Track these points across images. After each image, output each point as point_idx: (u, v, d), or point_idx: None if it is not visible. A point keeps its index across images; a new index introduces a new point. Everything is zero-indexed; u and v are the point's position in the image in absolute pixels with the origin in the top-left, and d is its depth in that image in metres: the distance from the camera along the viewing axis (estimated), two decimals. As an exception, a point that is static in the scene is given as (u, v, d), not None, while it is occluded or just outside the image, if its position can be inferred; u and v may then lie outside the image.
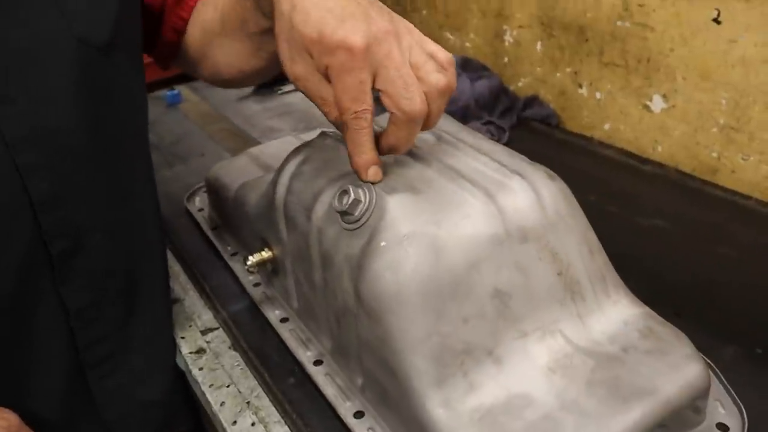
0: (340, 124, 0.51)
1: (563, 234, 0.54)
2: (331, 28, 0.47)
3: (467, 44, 1.33)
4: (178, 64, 0.79)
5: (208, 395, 0.65)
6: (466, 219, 0.51)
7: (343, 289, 0.53)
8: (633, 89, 1.02)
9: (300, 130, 1.10)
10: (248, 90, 1.36)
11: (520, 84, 1.23)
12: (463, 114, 1.10)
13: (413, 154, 0.57)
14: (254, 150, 0.92)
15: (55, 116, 0.53)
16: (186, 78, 1.33)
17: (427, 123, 0.51)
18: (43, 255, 0.54)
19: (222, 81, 0.77)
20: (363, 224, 0.51)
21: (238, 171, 0.84)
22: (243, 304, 0.74)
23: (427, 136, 0.60)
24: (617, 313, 0.55)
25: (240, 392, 0.65)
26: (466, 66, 1.19)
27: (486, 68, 1.22)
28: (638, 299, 0.57)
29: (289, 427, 0.60)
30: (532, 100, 1.18)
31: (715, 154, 0.93)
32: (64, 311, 0.57)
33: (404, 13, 1.48)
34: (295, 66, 0.51)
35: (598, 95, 1.08)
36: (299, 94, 0.52)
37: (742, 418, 0.53)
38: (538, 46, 1.16)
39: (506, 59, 1.24)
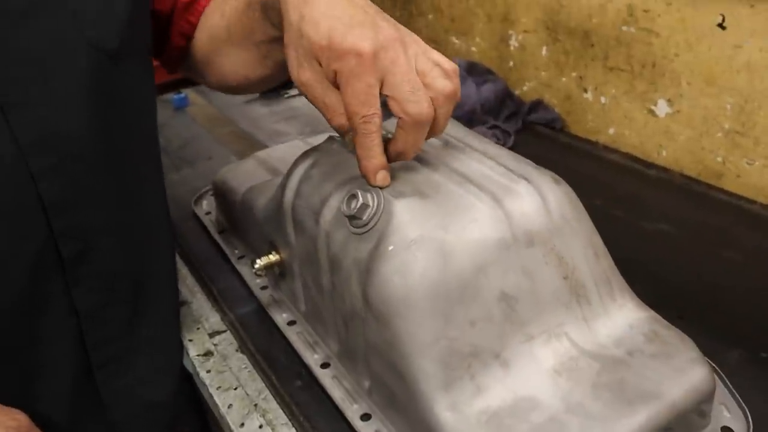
0: (343, 132, 0.52)
1: (569, 238, 0.54)
2: (340, 35, 0.48)
3: (473, 48, 1.34)
4: (185, 70, 0.80)
5: (215, 397, 0.65)
6: (473, 223, 0.51)
7: (351, 292, 0.54)
8: (638, 94, 1.02)
9: (306, 134, 1.11)
10: (255, 94, 1.37)
11: (525, 88, 1.24)
12: (468, 118, 1.11)
13: (421, 159, 0.57)
14: (261, 153, 0.93)
15: (67, 121, 0.54)
16: (193, 81, 1.34)
17: (434, 129, 0.51)
18: (55, 257, 0.55)
19: (228, 88, 0.78)
20: (371, 228, 0.52)
21: (245, 174, 0.85)
22: (250, 307, 0.74)
23: (434, 141, 0.60)
24: (623, 317, 0.55)
25: (247, 395, 0.65)
26: (471, 70, 1.19)
27: (491, 72, 1.22)
28: (643, 303, 0.57)
29: (296, 429, 0.60)
30: (537, 105, 1.18)
31: (720, 159, 0.94)
32: (75, 313, 0.57)
33: (410, 18, 1.48)
34: (302, 73, 0.52)
35: (603, 100, 1.09)
36: (305, 99, 0.54)
37: (747, 422, 0.54)
38: (544, 50, 1.17)
39: (511, 63, 1.25)
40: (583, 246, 0.54)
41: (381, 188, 0.53)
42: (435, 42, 1.43)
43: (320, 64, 0.50)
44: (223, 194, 0.85)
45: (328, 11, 0.50)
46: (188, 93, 1.39)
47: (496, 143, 0.63)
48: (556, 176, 0.57)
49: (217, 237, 0.87)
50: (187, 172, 1.09)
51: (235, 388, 0.66)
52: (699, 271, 0.75)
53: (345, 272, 0.54)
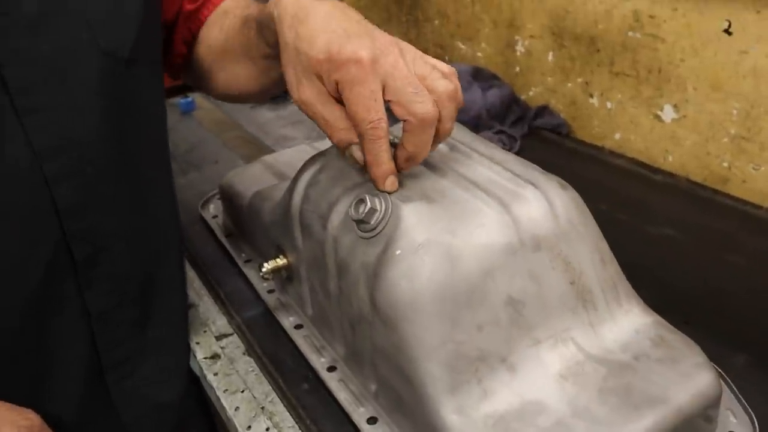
0: (343, 148, 0.54)
1: (576, 243, 0.54)
2: (337, 46, 0.49)
3: (479, 54, 1.34)
4: (187, 78, 0.81)
5: (222, 400, 0.66)
6: (480, 228, 0.51)
7: (358, 296, 0.54)
8: (644, 99, 1.02)
9: (313, 139, 1.11)
10: (259, 100, 1.37)
11: (531, 93, 1.24)
12: (474, 123, 1.11)
13: (428, 164, 0.58)
14: (268, 158, 0.93)
15: (81, 126, 0.55)
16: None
17: (440, 131, 0.52)
18: (67, 260, 0.56)
19: (226, 98, 0.79)
20: (379, 233, 0.52)
21: (252, 179, 0.85)
22: (257, 311, 0.75)
23: (440, 146, 0.61)
24: (629, 322, 0.55)
25: (254, 397, 0.65)
26: (477, 76, 1.19)
27: (497, 78, 1.23)
28: (649, 308, 0.57)
29: (303, 432, 0.61)
30: (543, 110, 1.18)
31: (726, 164, 0.94)
32: (86, 314, 0.58)
33: (416, 23, 1.49)
34: (302, 91, 0.53)
35: (608, 105, 1.09)
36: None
37: (754, 427, 0.54)
38: (550, 56, 1.17)
39: (517, 69, 1.25)
40: (589, 251, 0.55)
41: (389, 193, 0.53)
42: (441, 47, 1.44)
43: (320, 80, 0.52)
44: (230, 198, 0.86)
45: (323, 27, 0.51)
46: (195, 97, 1.40)
47: (502, 148, 0.63)
48: (563, 181, 0.57)
49: (224, 240, 0.87)
50: (194, 176, 1.10)
51: (242, 391, 0.66)
52: (705, 275, 0.76)
53: (352, 276, 0.55)
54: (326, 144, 0.67)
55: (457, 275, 0.50)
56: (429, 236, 0.50)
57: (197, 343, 0.73)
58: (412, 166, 0.54)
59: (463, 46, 1.38)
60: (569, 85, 1.15)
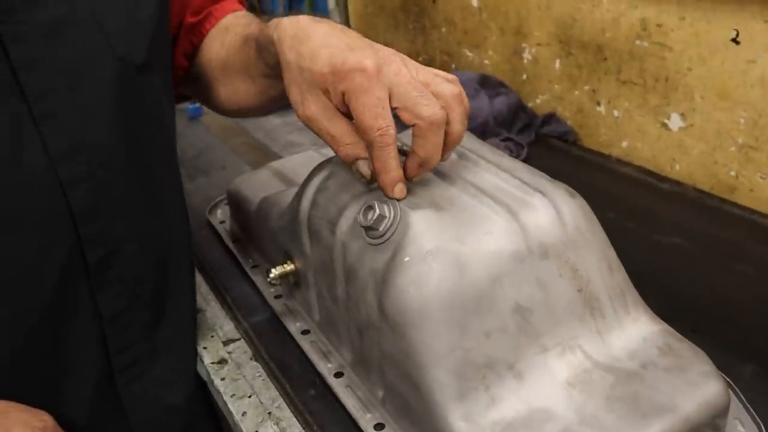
0: (349, 162, 0.55)
1: (583, 251, 0.54)
2: (341, 59, 0.50)
3: (486, 61, 1.34)
4: (187, 90, 0.81)
5: (229, 405, 0.66)
6: (488, 235, 0.51)
7: (366, 303, 0.54)
8: (651, 107, 1.03)
9: (320, 145, 1.11)
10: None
11: (538, 101, 1.24)
12: (481, 131, 1.11)
13: (436, 171, 0.58)
14: (275, 164, 0.94)
15: (95, 131, 0.55)
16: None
17: (450, 134, 0.52)
18: (81, 263, 0.56)
19: (227, 111, 0.80)
20: (387, 239, 0.52)
21: (259, 184, 0.86)
22: (264, 316, 0.75)
23: (449, 153, 0.61)
24: (636, 330, 0.55)
25: (261, 403, 0.66)
26: (484, 83, 1.20)
27: (504, 85, 1.23)
28: (657, 316, 0.57)
29: (310, 437, 0.61)
30: (550, 117, 1.19)
31: (733, 173, 0.94)
32: (99, 317, 0.58)
33: (423, 31, 1.49)
34: (307, 107, 0.54)
35: (615, 113, 1.09)
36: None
37: (761, 437, 0.54)
38: (557, 63, 1.17)
39: (524, 76, 1.25)
40: (597, 259, 0.55)
41: (398, 200, 0.53)
42: (448, 54, 1.44)
43: (326, 94, 0.52)
44: (237, 203, 0.86)
45: (324, 43, 0.52)
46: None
47: (509, 155, 0.64)
48: (571, 189, 0.57)
49: (231, 246, 0.88)
50: (201, 181, 1.10)
51: (249, 396, 0.67)
52: (712, 284, 0.75)
53: (361, 282, 0.55)
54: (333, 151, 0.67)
55: (465, 282, 0.50)
56: (437, 243, 0.50)
57: (204, 348, 0.74)
58: (424, 172, 0.54)
59: (470, 54, 1.39)
60: (576, 92, 1.15)
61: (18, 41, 0.50)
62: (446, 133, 0.52)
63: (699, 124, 0.96)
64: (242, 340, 0.74)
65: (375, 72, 0.49)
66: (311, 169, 0.65)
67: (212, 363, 0.72)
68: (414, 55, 1.46)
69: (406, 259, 0.50)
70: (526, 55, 1.23)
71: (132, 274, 0.60)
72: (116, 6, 0.57)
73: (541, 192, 0.55)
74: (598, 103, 1.12)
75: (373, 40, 0.55)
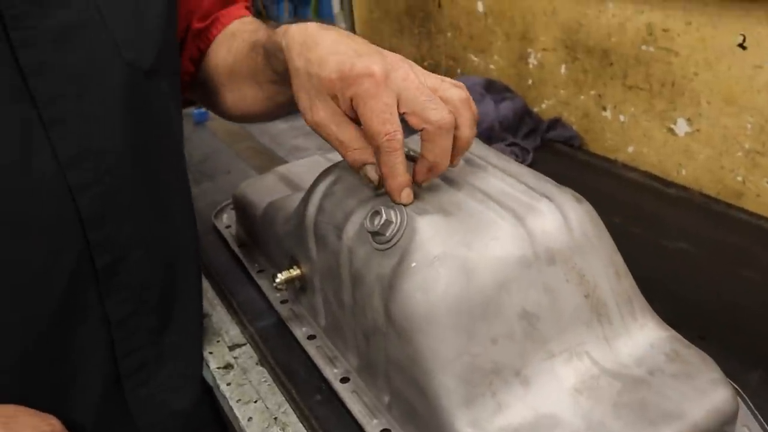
0: (357, 167, 0.55)
1: (590, 256, 0.54)
2: (349, 65, 0.51)
3: (491, 66, 1.34)
4: (193, 95, 0.82)
5: (235, 410, 0.66)
6: (495, 241, 0.51)
7: (373, 308, 0.54)
8: (657, 113, 1.02)
9: (326, 150, 1.11)
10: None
11: (543, 106, 1.24)
12: (487, 136, 1.11)
13: (443, 177, 0.58)
14: (281, 169, 0.94)
15: (104, 137, 0.55)
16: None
17: (459, 138, 0.53)
18: (90, 269, 0.56)
19: (233, 117, 0.80)
20: (394, 245, 0.52)
21: (265, 189, 0.86)
22: (270, 321, 0.75)
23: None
24: (644, 336, 0.55)
25: (267, 408, 0.65)
26: (489, 88, 1.20)
27: (509, 90, 1.23)
28: (664, 322, 0.57)
29: (315, 443, 0.61)
30: (556, 122, 1.19)
31: (740, 178, 0.93)
32: (107, 322, 0.59)
33: (429, 36, 1.49)
34: (315, 113, 0.54)
35: (621, 118, 1.09)
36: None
37: (770, 444, 0.53)
38: (562, 68, 1.17)
39: (530, 81, 1.25)
40: (604, 264, 0.55)
41: (405, 206, 0.54)
42: (454, 59, 1.44)
43: (334, 100, 0.53)
44: (243, 208, 0.86)
45: (332, 50, 0.53)
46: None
47: (515, 160, 0.64)
48: (577, 194, 0.57)
49: (237, 250, 0.88)
50: (207, 185, 1.11)
51: (255, 401, 0.66)
52: (718, 290, 0.75)
53: (367, 288, 0.55)
54: (339, 155, 0.67)
55: (472, 288, 0.50)
56: (444, 249, 0.50)
57: (210, 353, 0.74)
58: (433, 177, 0.54)
59: (475, 59, 1.39)
60: (582, 97, 1.15)
61: (27, 46, 0.51)
62: (455, 138, 0.52)
63: (705, 129, 0.96)
64: (248, 345, 0.74)
65: (383, 77, 0.50)
66: (317, 174, 0.65)
67: (218, 368, 0.72)
68: (419, 60, 1.46)
69: (413, 264, 0.50)
70: (532, 60, 1.23)
71: (139, 280, 0.60)
72: (124, 11, 0.57)
73: (547, 197, 0.55)
74: (604, 108, 1.12)
75: (378, 46, 0.55)
